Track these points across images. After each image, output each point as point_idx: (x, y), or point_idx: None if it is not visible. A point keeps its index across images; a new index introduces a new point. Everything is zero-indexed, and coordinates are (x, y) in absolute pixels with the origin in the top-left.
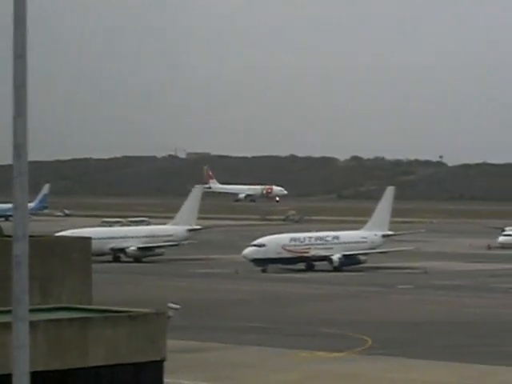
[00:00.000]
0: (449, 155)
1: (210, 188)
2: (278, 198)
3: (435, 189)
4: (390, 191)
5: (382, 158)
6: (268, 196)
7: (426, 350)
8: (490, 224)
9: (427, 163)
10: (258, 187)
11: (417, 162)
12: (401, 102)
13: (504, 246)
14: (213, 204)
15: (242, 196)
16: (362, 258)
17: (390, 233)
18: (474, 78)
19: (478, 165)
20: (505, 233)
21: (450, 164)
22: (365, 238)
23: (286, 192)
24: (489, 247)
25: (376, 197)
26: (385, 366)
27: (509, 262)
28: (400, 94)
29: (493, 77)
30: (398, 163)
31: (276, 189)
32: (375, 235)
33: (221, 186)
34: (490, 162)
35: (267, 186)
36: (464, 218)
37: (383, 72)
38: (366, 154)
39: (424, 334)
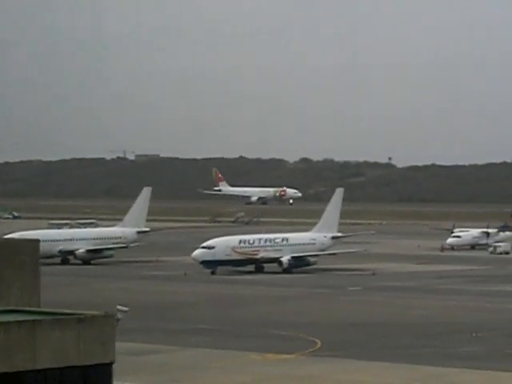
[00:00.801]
0: (398, 157)
1: (220, 190)
2: (291, 201)
3: (384, 190)
4: (338, 193)
5: (331, 160)
6: (281, 198)
7: (375, 352)
8: (439, 226)
9: (376, 165)
10: (271, 189)
11: (366, 163)
12: (349, 104)
13: (453, 248)
14: (161, 206)
15: (254, 199)
16: (311, 259)
17: (339, 234)
18: (423, 80)
19: (426, 167)
20: (453, 234)
21: (399, 166)
22: (314, 239)
23: (300, 194)
24: (442, 249)
25: (325, 199)
26: (334, 367)
27: (456, 263)
28: (349, 96)
29: (443, 79)
30: (346, 165)
31: (290, 191)
32: (324, 237)
33: (231, 188)
34: (438, 163)
35: (280, 189)
36: (413, 219)
37: (330, 73)
38: (315, 155)
39: (372, 335)
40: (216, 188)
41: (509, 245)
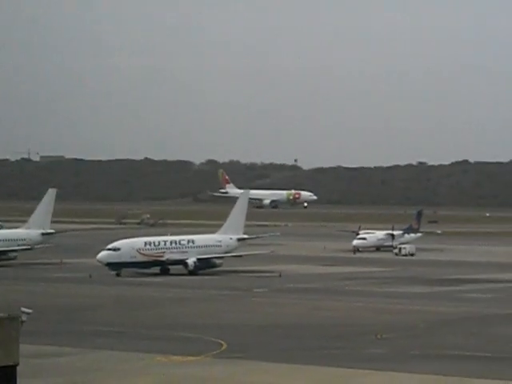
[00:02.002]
0: (303, 159)
1: (226, 193)
2: (305, 204)
3: None
4: (244, 195)
5: (238, 162)
6: (295, 202)
7: (281, 354)
8: (345, 227)
9: (282, 167)
10: (284, 192)
11: (272, 165)
12: (256, 105)
13: (358, 250)
14: (66, 208)
15: (266, 202)
16: (217, 261)
17: (245, 236)
18: (328, 82)
19: (332, 169)
20: (359, 236)
21: (304, 168)
22: (220, 241)
23: (315, 197)
24: (354, 250)
25: (232, 200)
26: (239, 369)
27: (362, 265)
28: (255, 97)
29: (346, 82)
30: (253, 167)
31: (305, 194)
32: (230, 239)
33: (239, 190)
34: (344, 165)
35: (294, 191)
36: (319, 221)
37: (238, 75)
38: (222, 157)
39: (279, 337)
40: (222, 190)
41: (413, 246)
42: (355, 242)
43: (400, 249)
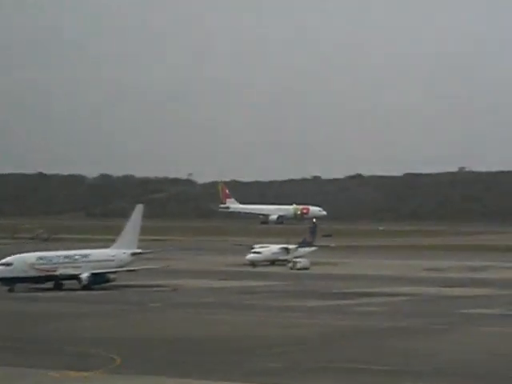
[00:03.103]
0: (198, 173)
1: (228, 208)
2: (314, 220)
3: (185, 206)
4: (138, 209)
5: (132, 176)
6: (303, 217)
7: (177, 368)
8: (240, 241)
9: (176, 181)
10: (291, 207)
11: (166, 179)
12: (148, 119)
13: (253, 264)
14: None
15: (273, 217)
16: (110, 276)
17: (139, 251)
18: (220, 95)
19: (227, 183)
20: (253, 250)
21: (199, 182)
22: (113, 256)
23: (325, 213)
24: (253, 264)
25: (125, 215)
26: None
27: (257, 279)
28: (146, 112)
29: (237, 94)
30: (147, 181)
31: (314, 209)
32: (124, 253)
33: (242, 205)
34: (239, 179)
35: (302, 206)
36: (214, 235)
37: (125, 89)
38: (115, 171)
39: (174, 351)
40: (223, 205)
41: (308, 260)
42: (250, 256)
43: (294, 263)
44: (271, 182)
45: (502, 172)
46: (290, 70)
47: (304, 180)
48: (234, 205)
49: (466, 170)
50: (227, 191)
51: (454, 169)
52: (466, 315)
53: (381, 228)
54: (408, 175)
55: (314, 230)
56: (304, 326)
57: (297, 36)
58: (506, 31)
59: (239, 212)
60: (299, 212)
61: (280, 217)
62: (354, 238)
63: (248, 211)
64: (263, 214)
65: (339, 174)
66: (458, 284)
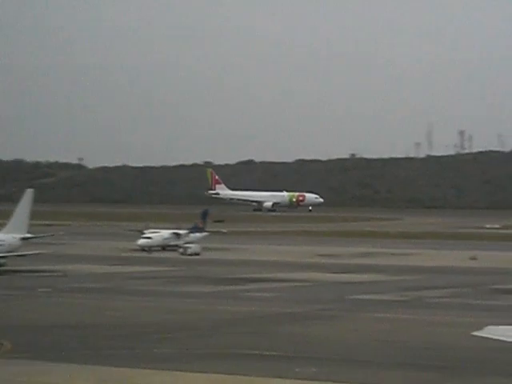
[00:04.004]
0: (89, 158)
1: (217, 194)
2: (310, 208)
3: (75, 191)
4: (28, 194)
5: (22, 160)
6: (299, 204)
7: (68, 354)
8: (132, 226)
9: (67, 166)
10: (286, 194)
11: (57, 164)
12: (39, 103)
13: (144, 249)
14: None
15: (268, 204)
16: (1, 261)
17: (29, 235)
18: (108, 79)
19: (118, 168)
20: (144, 235)
21: (90, 166)
22: (3, 241)
23: (321, 200)
24: (145, 249)
25: (15, 199)
26: (22, 369)
27: (148, 264)
28: (37, 96)
29: (125, 80)
30: (37, 165)
31: (310, 196)
32: (13, 238)
33: (232, 192)
34: (130, 164)
35: (298, 193)
36: (105, 220)
37: (18, 73)
38: (5, 155)
39: (65, 337)
40: (212, 192)
41: (199, 246)
42: (140, 242)
43: (185, 248)
44: (162, 167)
45: (393, 159)
46: None
47: (194, 165)
48: (224, 191)
49: (357, 156)
50: (217, 177)
51: (346, 155)
52: (357, 301)
53: (273, 214)
54: (299, 161)
55: (205, 216)
56: (195, 312)
57: None
58: None
59: (231, 199)
60: (295, 199)
61: (275, 204)
62: (247, 223)
63: (240, 198)
64: (256, 201)
65: (231, 159)
66: (350, 270)
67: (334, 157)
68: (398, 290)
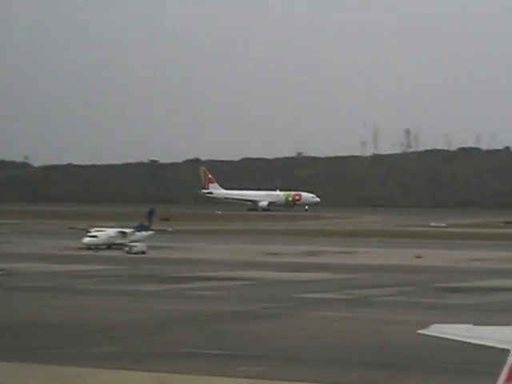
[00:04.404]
0: (34, 156)
1: (211, 194)
2: (307, 207)
3: (21, 190)
4: None
5: None
6: (295, 203)
7: (9, 352)
8: (77, 225)
9: (12, 164)
10: (281, 193)
11: (2, 162)
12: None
13: (90, 247)
14: None
15: (263, 204)
16: None
17: None
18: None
19: (63, 166)
20: (90, 234)
21: (35, 165)
22: None
23: (318, 199)
24: (91, 248)
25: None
26: None
27: (94, 263)
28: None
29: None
30: None
31: (306, 195)
32: None
33: (226, 191)
34: (75, 163)
35: (294, 193)
36: (50, 219)
37: None
38: None
39: (7, 336)
40: (205, 191)
41: (144, 244)
42: (85, 240)
43: (131, 247)
44: (107, 166)
45: (338, 157)
46: None
47: (142, 164)
48: (217, 190)
49: (303, 155)
50: (210, 176)
51: (292, 153)
52: (304, 299)
53: (219, 212)
54: (245, 160)
55: (150, 214)
56: (141, 311)
57: None
58: None
59: (226, 198)
60: (291, 198)
61: (270, 203)
62: (193, 222)
63: (234, 197)
64: (251, 201)
65: (178, 158)
66: (297, 269)
67: (281, 155)
68: (344, 289)
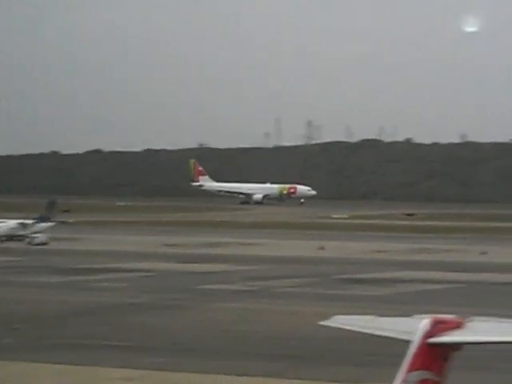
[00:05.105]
0: None
1: (201, 186)
2: (302, 200)
3: None
4: None
5: None
6: (290, 197)
7: None
8: None
9: None
10: (276, 186)
11: None
12: None
13: None
14: None
15: (258, 197)
16: None
17: None
18: None
19: None
20: None
21: None
22: None
23: (314, 192)
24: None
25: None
26: None
27: None
28: None
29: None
30: None
31: (302, 188)
32: None
33: (218, 184)
34: None
35: (289, 185)
36: None
37: None
38: None
39: None
40: (195, 183)
41: (46, 236)
42: None
43: (32, 238)
44: (9, 157)
45: (241, 148)
46: None
47: (40, 155)
48: (208, 183)
49: (205, 146)
50: (200, 168)
51: (194, 145)
52: (205, 291)
53: (121, 203)
54: (148, 150)
55: (51, 206)
56: (42, 303)
57: None
58: None
59: (219, 191)
60: (286, 192)
61: (265, 196)
62: (94, 213)
63: (226, 190)
64: (244, 194)
65: (78, 149)
66: (197, 260)
67: (183, 146)
68: (246, 280)
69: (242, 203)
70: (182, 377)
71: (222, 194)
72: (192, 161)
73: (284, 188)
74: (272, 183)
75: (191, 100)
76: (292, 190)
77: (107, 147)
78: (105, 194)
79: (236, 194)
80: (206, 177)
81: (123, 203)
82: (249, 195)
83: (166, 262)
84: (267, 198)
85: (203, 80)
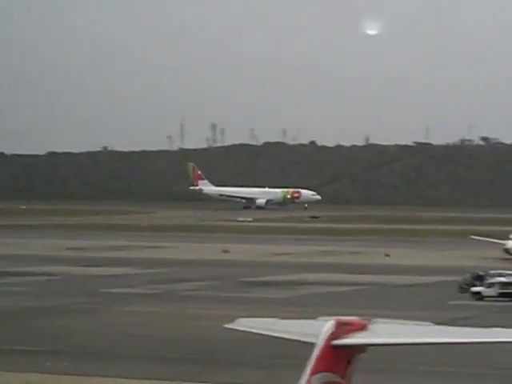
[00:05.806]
0: None
1: (201, 190)
2: (306, 205)
3: None
4: None
5: None
6: (294, 201)
7: None
8: None
9: None
10: (279, 191)
11: None
12: None
13: None
14: None
15: (261, 201)
16: None
17: None
18: None
19: None
20: None
21: None
22: None
23: (318, 197)
24: None
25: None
26: None
27: None
28: None
29: None
30: None
31: (306, 193)
32: None
33: (216, 188)
34: None
35: (292, 190)
36: None
37: None
38: None
39: None
40: (195, 188)
41: None
42: None
43: None
44: None
45: (145, 152)
46: None
47: None
48: (207, 187)
49: (109, 149)
50: (199, 172)
51: (98, 148)
52: (109, 294)
53: (23, 207)
54: (51, 154)
55: None
56: None
57: None
58: None
59: (220, 195)
60: (289, 196)
61: (268, 201)
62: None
63: (228, 194)
64: (246, 198)
65: None
66: (101, 263)
67: (86, 149)
68: (150, 283)
69: (245, 208)
70: (82, 381)
71: (223, 198)
72: (191, 165)
73: (287, 192)
74: (273, 187)
75: (99, 103)
76: (296, 195)
77: (10, 150)
78: (9, 198)
79: (238, 199)
80: (205, 181)
81: (25, 207)
82: (251, 199)
83: (69, 265)
84: (270, 203)
85: (107, 83)
